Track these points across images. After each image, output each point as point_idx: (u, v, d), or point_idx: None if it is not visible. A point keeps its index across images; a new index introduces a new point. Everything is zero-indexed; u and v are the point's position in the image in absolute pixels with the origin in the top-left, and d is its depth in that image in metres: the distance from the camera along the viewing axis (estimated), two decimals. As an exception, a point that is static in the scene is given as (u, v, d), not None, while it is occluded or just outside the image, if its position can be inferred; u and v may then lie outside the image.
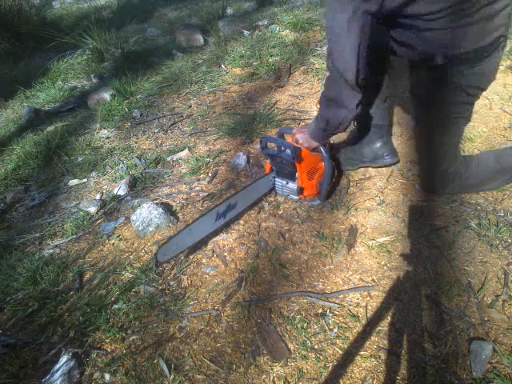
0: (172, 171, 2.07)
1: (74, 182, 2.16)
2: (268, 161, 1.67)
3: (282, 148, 1.56)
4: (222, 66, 3.06)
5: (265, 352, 1.19)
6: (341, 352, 1.16)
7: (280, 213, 1.69)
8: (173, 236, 1.41)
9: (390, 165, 1.79)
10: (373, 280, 1.35)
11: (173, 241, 1.39)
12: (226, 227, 1.64)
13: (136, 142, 2.40)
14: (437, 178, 1.55)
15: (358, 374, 1.10)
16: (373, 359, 1.13)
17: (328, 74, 1.32)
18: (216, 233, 1.60)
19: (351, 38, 1.15)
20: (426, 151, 1.54)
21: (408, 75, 1.47)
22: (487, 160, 1.56)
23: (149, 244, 1.63)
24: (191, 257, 1.54)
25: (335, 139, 2.06)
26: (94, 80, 3.43)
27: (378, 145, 1.74)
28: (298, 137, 1.53)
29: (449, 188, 1.57)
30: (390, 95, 1.67)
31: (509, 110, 2.07)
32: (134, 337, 1.29)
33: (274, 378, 1.12)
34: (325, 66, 2.73)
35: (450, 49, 1.19)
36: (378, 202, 1.66)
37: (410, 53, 1.30)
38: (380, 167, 1.82)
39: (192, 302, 1.37)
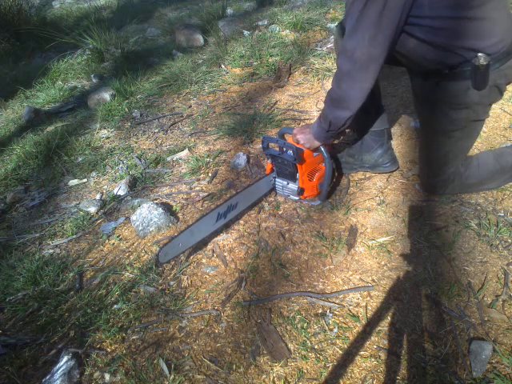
0: (172, 171, 2.07)
1: (74, 181, 2.16)
2: (269, 161, 1.67)
3: (284, 149, 1.56)
4: (222, 66, 3.06)
5: (265, 352, 1.19)
6: (341, 352, 1.16)
7: (280, 213, 1.69)
8: (174, 236, 1.41)
9: (389, 172, 1.78)
10: (373, 280, 1.35)
11: (174, 241, 1.39)
12: (226, 227, 1.64)
13: (136, 142, 2.40)
14: (437, 178, 1.55)
15: (357, 374, 1.10)
16: (373, 359, 1.13)
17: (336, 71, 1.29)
18: (216, 233, 1.60)
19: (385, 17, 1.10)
20: (437, 156, 1.50)
21: (418, 88, 1.43)
22: (487, 159, 1.55)
23: (149, 244, 1.63)
24: (191, 257, 1.54)
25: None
26: (93, 80, 3.43)
27: (379, 152, 1.73)
28: (299, 137, 1.53)
29: (449, 188, 1.57)
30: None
31: (509, 110, 2.07)
32: (134, 337, 1.29)
33: (273, 377, 1.12)
34: (324, 66, 2.74)
35: (486, 39, 1.14)
36: (378, 202, 1.66)
37: (442, 60, 1.23)
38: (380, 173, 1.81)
39: (192, 302, 1.37)
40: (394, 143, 1.94)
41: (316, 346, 1.18)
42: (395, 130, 2.06)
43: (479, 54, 1.16)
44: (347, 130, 1.74)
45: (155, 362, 1.20)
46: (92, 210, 1.87)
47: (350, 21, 1.18)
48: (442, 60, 1.24)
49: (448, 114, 1.35)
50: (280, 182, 1.69)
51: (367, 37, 1.15)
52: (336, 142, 2.02)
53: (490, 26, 1.14)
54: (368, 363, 1.12)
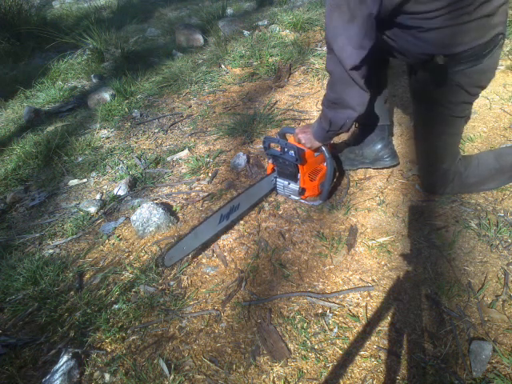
0: (172, 171, 2.07)
1: (74, 181, 2.16)
2: (270, 161, 1.67)
3: (286, 149, 1.56)
4: (222, 66, 3.06)
5: (265, 352, 1.19)
6: (341, 352, 1.16)
7: (280, 213, 1.69)
8: (179, 240, 1.40)
9: (390, 167, 1.79)
10: (373, 280, 1.35)
11: (179, 244, 1.39)
12: (228, 228, 1.63)
13: (136, 142, 2.40)
14: (437, 178, 1.55)
15: (357, 374, 1.10)
16: (373, 359, 1.13)
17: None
18: (219, 234, 1.60)
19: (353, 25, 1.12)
20: (426, 151, 1.54)
21: (408, 76, 1.47)
22: (487, 159, 1.56)
23: (149, 244, 1.63)
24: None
25: (335, 139, 2.06)
26: (93, 80, 3.43)
27: (379, 146, 1.74)
28: (301, 137, 1.53)
29: (449, 188, 1.57)
30: (389, 96, 1.66)
31: (509, 110, 2.07)
32: (133, 337, 1.29)
33: (273, 377, 1.12)
34: (324, 66, 2.73)
35: (449, 48, 1.19)
36: (378, 202, 1.66)
37: (408, 58, 1.30)
38: (380, 169, 1.82)
39: (192, 302, 1.37)
40: (394, 143, 1.94)
41: (316, 346, 1.18)
42: (395, 130, 2.06)
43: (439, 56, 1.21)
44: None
45: (155, 362, 1.20)
46: (92, 209, 1.87)
47: (327, 21, 1.19)
48: (419, 55, 1.29)
49: (425, 108, 1.42)
50: (281, 182, 1.69)
51: (347, 35, 1.15)
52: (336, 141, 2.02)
53: (452, 37, 1.17)
54: (368, 363, 1.12)
